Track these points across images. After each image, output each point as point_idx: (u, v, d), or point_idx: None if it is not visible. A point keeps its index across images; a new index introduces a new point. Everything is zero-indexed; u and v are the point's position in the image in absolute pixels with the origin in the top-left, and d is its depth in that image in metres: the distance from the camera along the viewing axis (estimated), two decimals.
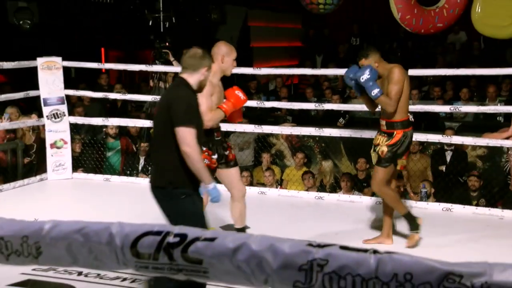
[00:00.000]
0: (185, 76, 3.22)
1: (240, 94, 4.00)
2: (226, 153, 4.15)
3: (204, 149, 3.85)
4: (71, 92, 6.86)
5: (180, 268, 1.45)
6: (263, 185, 6.69)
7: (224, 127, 6.64)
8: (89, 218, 1.74)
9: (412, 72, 6.05)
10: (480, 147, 6.50)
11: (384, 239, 4.51)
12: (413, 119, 5.01)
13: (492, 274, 1.14)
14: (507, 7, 6.78)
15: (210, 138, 3.96)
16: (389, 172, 4.35)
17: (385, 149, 4.33)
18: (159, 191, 3.20)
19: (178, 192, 3.14)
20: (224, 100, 4.02)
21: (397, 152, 4.32)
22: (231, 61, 4.00)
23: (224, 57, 3.95)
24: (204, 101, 3.76)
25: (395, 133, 4.32)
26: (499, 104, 7.85)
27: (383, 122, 4.40)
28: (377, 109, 4.69)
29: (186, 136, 3.06)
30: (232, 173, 4.19)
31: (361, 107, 6.28)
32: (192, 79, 3.21)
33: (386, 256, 1.24)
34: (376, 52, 4.32)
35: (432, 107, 6.68)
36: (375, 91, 4.14)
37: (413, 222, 4.39)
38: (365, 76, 4.13)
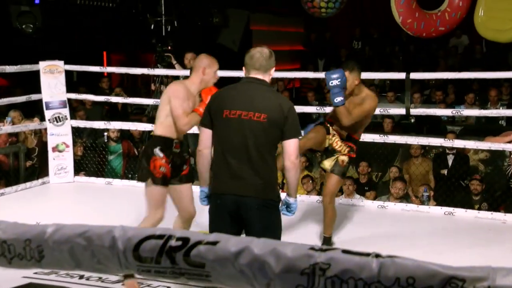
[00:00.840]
0: (260, 77, 3.09)
1: None
2: (183, 167, 3.92)
3: (162, 155, 3.73)
4: (73, 95, 6.88)
5: (182, 272, 1.44)
6: None
7: None
8: (91, 221, 1.75)
9: (414, 75, 6.07)
10: (482, 151, 6.49)
11: None
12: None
13: (495, 278, 1.14)
14: (509, 11, 6.79)
15: (169, 149, 3.78)
16: (341, 183, 4.46)
17: (345, 159, 4.40)
18: (260, 202, 3.02)
19: (277, 205, 3.11)
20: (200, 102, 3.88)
21: (349, 166, 4.46)
22: (212, 73, 3.86)
23: (205, 69, 3.84)
24: (180, 104, 3.69)
25: (354, 148, 4.42)
26: (501, 108, 7.85)
27: (343, 132, 4.42)
28: None
29: (296, 148, 3.03)
30: (183, 190, 3.92)
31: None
32: (267, 80, 3.12)
33: (388, 260, 1.24)
34: (359, 71, 4.33)
35: (434, 110, 6.68)
36: (338, 99, 4.14)
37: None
38: (335, 82, 4.11)
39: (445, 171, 6.73)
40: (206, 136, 3.11)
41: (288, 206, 3.18)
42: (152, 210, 3.82)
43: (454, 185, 6.37)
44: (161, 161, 3.70)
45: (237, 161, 3.01)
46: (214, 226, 3.09)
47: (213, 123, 3.08)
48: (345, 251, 1.29)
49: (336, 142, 4.43)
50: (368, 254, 1.27)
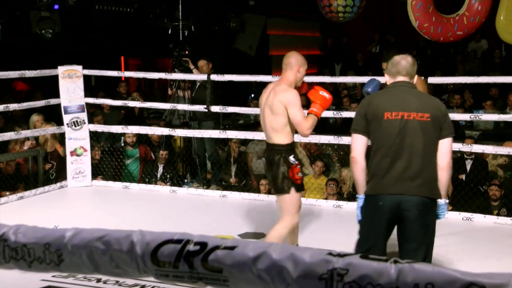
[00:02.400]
0: (410, 83, 3.21)
1: (324, 94, 3.89)
2: None
3: (297, 162, 3.85)
4: (91, 100, 6.94)
5: (200, 276, 1.45)
6: None
7: (243, 135, 6.69)
8: (109, 225, 1.76)
9: (432, 80, 6.02)
10: (501, 156, 6.42)
11: None
12: None
13: None
14: None
15: (296, 155, 3.90)
16: None
17: None
18: (425, 201, 3.07)
19: (437, 203, 3.17)
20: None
21: None
22: (304, 71, 3.92)
23: (300, 67, 3.88)
24: (298, 111, 3.74)
25: None
26: None
27: None
28: None
29: (451, 147, 3.14)
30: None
31: None
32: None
33: (407, 266, 1.23)
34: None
35: (452, 115, 6.61)
36: None
37: None
38: (368, 89, 4.18)
39: (463, 176, 6.67)
40: (361, 142, 3.17)
41: (440, 208, 3.20)
42: (290, 216, 3.84)
43: (472, 190, 6.30)
44: (297, 168, 3.82)
45: (402, 161, 3.05)
46: (369, 227, 3.14)
47: (370, 128, 3.13)
48: (363, 257, 1.28)
49: None
50: (386, 260, 1.26)
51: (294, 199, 3.85)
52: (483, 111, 8.13)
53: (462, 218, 5.41)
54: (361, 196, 3.21)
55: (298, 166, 3.83)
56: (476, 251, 4.54)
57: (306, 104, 4.12)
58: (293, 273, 1.30)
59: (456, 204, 6.03)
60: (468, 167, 6.69)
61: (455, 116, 6.94)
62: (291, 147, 3.86)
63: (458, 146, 5.71)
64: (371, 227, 3.14)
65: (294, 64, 3.87)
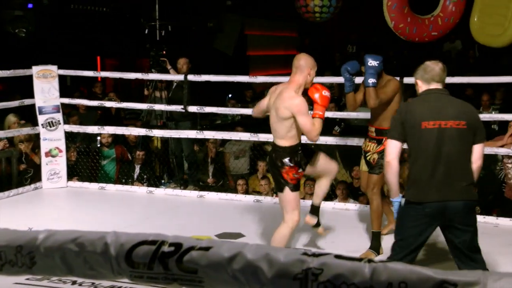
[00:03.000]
0: (444, 90, 3.31)
1: (327, 93, 3.93)
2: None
3: (292, 164, 3.89)
4: (66, 100, 6.86)
5: (175, 277, 1.44)
6: (259, 193, 6.68)
7: (220, 135, 6.68)
8: (84, 227, 1.74)
9: (408, 80, 6.08)
10: None
11: (392, 225, 4.58)
12: None
13: (486, 283, 1.14)
14: (501, 16, 6.83)
15: (296, 155, 3.93)
16: (383, 178, 4.38)
17: (376, 156, 4.48)
18: (467, 204, 3.21)
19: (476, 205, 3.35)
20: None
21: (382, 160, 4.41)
22: (314, 74, 3.95)
23: (311, 70, 3.90)
24: (307, 119, 3.78)
25: (384, 139, 4.34)
26: (493, 112, 7.87)
27: (372, 129, 4.53)
28: (356, 115, 4.68)
29: (483, 151, 3.30)
30: (321, 159, 4.13)
31: (357, 115, 6.31)
32: None
33: (380, 265, 1.24)
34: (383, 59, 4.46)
35: None
36: (372, 80, 4.22)
37: (377, 243, 4.48)
38: (375, 62, 4.22)
39: None
40: (395, 147, 3.26)
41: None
42: (289, 214, 3.95)
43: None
44: (293, 170, 3.88)
45: (442, 168, 3.15)
46: (412, 233, 3.22)
47: (407, 136, 3.23)
48: (338, 256, 1.29)
49: (365, 144, 4.61)
50: (360, 259, 1.27)
51: (290, 198, 3.93)
52: None
53: None
54: (396, 199, 3.33)
55: (294, 169, 3.89)
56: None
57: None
58: (268, 273, 1.31)
59: None
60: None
61: None
62: (290, 150, 3.89)
63: None
64: (414, 233, 3.21)
65: (305, 66, 3.88)
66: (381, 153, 4.33)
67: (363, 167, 4.66)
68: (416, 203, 3.20)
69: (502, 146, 5.32)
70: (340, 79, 4.95)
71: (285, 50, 13.95)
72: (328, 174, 4.21)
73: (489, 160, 6.52)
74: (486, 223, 5.26)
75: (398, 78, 4.75)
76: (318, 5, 8.38)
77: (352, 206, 5.87)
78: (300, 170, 3.95)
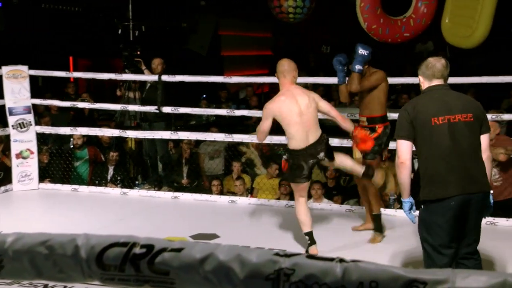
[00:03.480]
0: (447, 85, 3.36)
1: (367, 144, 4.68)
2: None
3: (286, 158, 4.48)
4: (37, 101, 6.76)
5: (146, 279, 1.43)
6: (234, 194, 6.68)
7: (194, 136, 6.66)
8: (56, 229, 1.71)
9: None
10: None
11: (369, 224, 4.94)
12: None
13: (455, 281, 1.16)
14: (470, 17, 6.95)
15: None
16: (377, 163, 4.77)
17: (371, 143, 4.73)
18: (485, 196, 3.26)
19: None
20: None
21: (382, 144, 4.73)
22: (297, 77, 4.39)
23: (294, 73, 4.33)
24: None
25: (377, 127, 4.70)
26: None
27: (363, 119, 4.79)
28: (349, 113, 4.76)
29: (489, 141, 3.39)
30: None
31: None
32: None
33: (352, 264, 1.25)
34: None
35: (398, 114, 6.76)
36: (358, 66, 4.60)
37: (379, 224, 4.82)
38: (365, 52, 4.59)
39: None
40: (407, 147, 3.25)
41: (491, 197, 3.38)
42: (296, 198, 4.54)
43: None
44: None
45: (458, 162, 3.17)
46: (444, 231, 3.19)
47: (416, 134, 3.22)
48: (310, 256, 1.30)
49: (359, 133, 4.79)
50: (332, 259, 1.28)
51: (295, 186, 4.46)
52: None
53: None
54: (409, 200, 3.39)
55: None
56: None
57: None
58: (240, 274, 1.30)
59: None
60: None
61: None
62: (291, 150, 4.37)
63: None
64: (444, 229, 3.19)
65: (288, 71, 4.37)
66: (376, 140, 4.69)
67: (357, 154, 4.90)
68: (439, 200, 3.19)
69: None
70: (313, 80, 5.15)
71: (260, 51, 13.98)
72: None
73: None
74: None
75: None
76: (292, 6, 8.41)
77: (327, 206, 5.90)
78: None
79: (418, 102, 3.33)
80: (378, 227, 4.79)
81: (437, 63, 3.35)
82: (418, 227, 3.35)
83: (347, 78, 4.81)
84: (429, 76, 3.34)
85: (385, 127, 4.73)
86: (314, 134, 4.32)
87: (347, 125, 4.57)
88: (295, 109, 4.25)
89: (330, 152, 4.41)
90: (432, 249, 3.25)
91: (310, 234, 4.38)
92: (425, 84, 3.36)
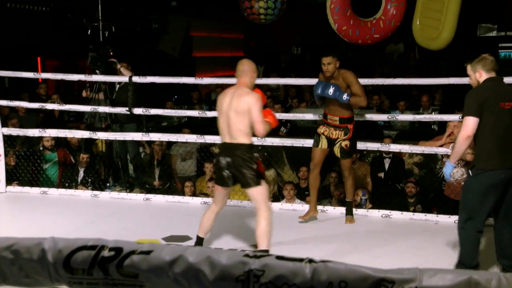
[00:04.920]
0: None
1: (276, 116, 4.45)
2: None
3: (260, 158, 4.49)
4: (4, 102, 6.63)
5: (115, 282, 1.42)
6: (206, 195, 6.66)
7: (166, 137, 6.61)
8: (24, 233, 1.69)
9: None
10: (417, 154, 6.70)
11: (313, 212, 5.38)
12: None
13: (422, 279, 1.17)
14: (437, 20, 7.06)
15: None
16: (354, 158, 5.14)
17: (348, 142, 5.11)
18: None
19: None
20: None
21: (355, 142, 5.16)
22: (256, 77, 4.35)
23: (253, 73, 4.29)
24: (259, 114, 4.12)
25: (349, 127, 5.10)
26: (433, 113, 8.12)
27: (335, 118, 5.12)
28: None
29: None
30: (229, 190, 4.46)
31: (303, 116, 6.38)
32: None
33: (321, 265, 1.26)
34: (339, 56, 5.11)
35: (370, 115, 6.83)
36: (344, 97, 4.91)
37: (351, 210, 5.39)
38: (331, 90, 4.92)
39: (381, 174, 6.90)
40: (475, 124, 3.75)
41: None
42: (266, 205, 4.16)
43: (390, 188, 6.54)
44: (260, 162, 4.26)
45: (508, 140, 3.79)
46: (485, 198, 3.77)
47: (483, 113, 3.74)
48: (279, 257, 1.30)
49: (331, 133, 5.16)
50: (301, 260, 1.28)
51: (264, 189, 4.21)
52: (399, 111, 8.44)
53: (381, 215, 5.60)
54: (453, 165, 3.97)
55: (259, 161, 4.28)
56: (394, 247, 4.70)
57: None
58: (210, 276, 1.30)
59: (376, 202, 6.24)
60: (387, 166, 6.93)
61: (374, 116, 7.18)
62: (252, 146, 4.24)
63: (376, 146, 5.91)
64: (487, 198, 3.78)
65: (247, 71, 4.27)
66: (351, 140, 5.10)
67: (324, 145, 5.21)
68: (493, 170, 3.75)
69: (441, 146, 5.49)
70: (285, 81, 5.29)
71: (231, 52, 13.96)
72: (221, 205, 4.48)
73: (430, 160, 6.73)
74: (427, 221, 5.42)
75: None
76: (263, 7, 8.43)
77: (299, 207, 5.92)
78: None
79: (488, 88, 3.81)
80: (350, 211, 5.37)
81: (491, 58, 3.89)
82: (464, 193, 3.88)
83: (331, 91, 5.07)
84: (489, 70, 3.85)
85: (354, 126, 5.13)
86: (232, 138, 4.16)
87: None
88: (222, 106, 4.22)
89: (242, 175, 4.12)
90: (473, 211, 3.83)
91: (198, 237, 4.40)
92: (483, 75, 3.85)
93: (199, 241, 4.39)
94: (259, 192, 4.14)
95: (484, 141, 3.79)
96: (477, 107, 3.75)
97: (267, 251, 3.99)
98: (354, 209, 5.79)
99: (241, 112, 4.07)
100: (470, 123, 3.76)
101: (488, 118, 3.76)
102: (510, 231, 3.92)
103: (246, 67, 4.27)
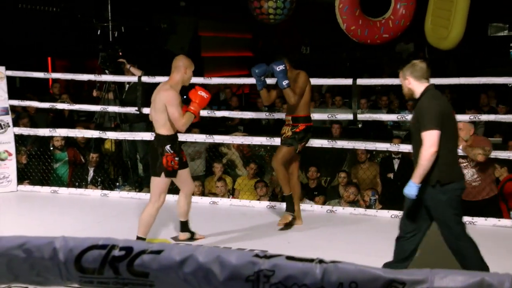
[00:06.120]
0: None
1: (202, 93, 4.36)
2: (181, 155, 4.57)
3: (172, 151, 4.35)
4: (15, 102, 6.67)
5: (126, 282, 1.42)
6: (215, 195, 6.66)
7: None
8: (34, 232, 1.69)
9: (361, 81, 6.19)
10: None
11: (298, 221, 5.23)
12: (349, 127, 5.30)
13: (433, 281, 1.17)
14: (446, 19, 7.03)
15: (176, 144, 4.42)
16: (289, 152, 5.02)
17: (289, 133, 5.08)
18: None
19: None
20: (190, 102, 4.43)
21: (298, 138, 5.05)
22: (191, 73, 4.43)
23: (186, 69, 4.37)
24: (175, 109, 4.23)
25: (299, 125, 5.08)
26: None
27: (289, 118, 5.12)
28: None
29: None
30: (185, 173, 4.59)
31: (312, 116, 6.36)
32: None
33: (331, 265, 1.25)
34: (287, 58, 5.09)
35: (379, 115, 6.82)
36: (285, 82, 4.88)
37: (290, 205, 5.10)
38: (281, 67, 4.88)
39: (391, 175, 6.88)
40: (439, 137, 3.49)
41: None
42: (156, 197, 4.41)
43: (400, 188, 6.50)
44: (171, 157, 4.34)
45: (457, 151, 3.76)
46: (459, 211, 3.63)
47: (445, 124, 3.52)
48: (289, 257, 1.30)
49: (283, 129, 5.17)
50: (311, 260, 1.28)
51: (163, 182, 4.39)
52: (409, 111, 8.40)
53: (391, 216, 5.58)
54: (417, 185, 3.59)
55: (173, 156, 4.35)
56: None
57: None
58: (220, 276, 1.30)
59: (385, 202, 6.21)
60: (396, 166, 6.91)
61: (383, 116, 7.16)
62: (169, 138, 4.36)
63: (386, 146, 5.89)
64: (460, 211, 3.65)
65: (181, 66, 4.37)
66: (295, 133, 5.03)
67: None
68: (455, 182, 3.59)
69: None
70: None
71: (239, 52, 13.99)
72: (184, 190, 4.71)
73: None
74: None
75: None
76: (272, 7, 8.43)
77: (307, 207, 5.91)
78: (177, 159, 4.39)
79: (440, 96, 3.68)
80: (290, 207, 5.11)
81: (423, 65, 3.67)
82: (443, 208, 3.61)
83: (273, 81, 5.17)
84: (419, 77, 3.63)
85: (306, 127, 5.08)
86: (155, 128, 4.46)
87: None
88: (152, 99, 4.45)
89: (151, 162, 4.41)
90: (459, 220, 3.66)
91: None
92: (413, 84, 3.64)
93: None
94: (154, 183, 4.39)
95: (446, 153, 3.54)
96: (439, 119, 3.50)
97: (143, 238, 4.38)
98: (363, 210, 5.77)
99: (158, 108, 4.30)
100: (435, 137, 3.47)
101: (448, 129, 3.55)
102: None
103: (180, 63, 4.37)
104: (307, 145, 5.98)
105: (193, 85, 5.57)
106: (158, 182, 4.39)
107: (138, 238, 4.36)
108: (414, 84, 3.63)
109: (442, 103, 3.60)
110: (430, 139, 3.46)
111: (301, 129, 5.06)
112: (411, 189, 3.61)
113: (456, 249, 3.70)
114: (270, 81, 5.22)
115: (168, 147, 4.33)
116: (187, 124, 4.34)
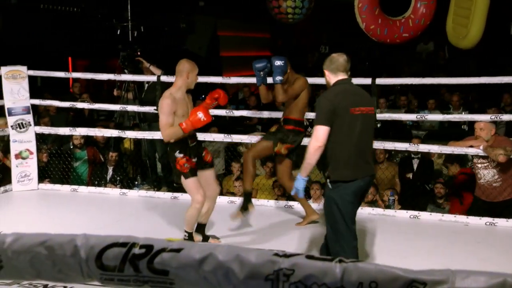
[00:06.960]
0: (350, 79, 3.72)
1: (201, 115, 4.20)
2: (203, 155, 4.53)
3: (182, 155, 4.34)
4: (36, 101, 6.75)
5: (146, 279, 1.43)
6: (233, 194, 6.67)
7: None
8: (55, 230, 1.71)
9: (380, 81, 6.15)
10: (446, 155, 6.61)
11: (312, 216, 5.22)
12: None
13: (454, 281, 1.16)
14: (466, 18, 6.95)
15: (186, 147, 4.37)
16: (265, 147, 5.00)
17: (273, 129, 5.12)
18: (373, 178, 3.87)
19: None
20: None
21: (280, 136, 5.01)
22: (194, 76, 4.38)
23: (189, 73, 4.34)
24: (163, 117, 4.23)
25: (288, 126, 5.05)
26: (463, 113, 8.01)
27: (281, 118, 5.17)
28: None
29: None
30: (206, 174, 4.55)
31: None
32: None
33: (351, 265, 1.25)
34: (288, 63, 5.02)
35: (399, 115, 6.77)
36: (278, 77, 4.86)
37: (246, 203, 5.02)
38: (280, 63, 4.85)
39: (410, 175, 6.83)
40: (326, 133, 3.50)
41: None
42: (194, 196, 4.42)
43: (419, 188, 6.46)
44: (183, 160, 4.33)
45: (366, 149, 3.63)
46: (352, 208, 3.57)
47: (335, 121, 3.49)
48: (309, 257, 1.30)
49: (272, 128, 5.19)
50: (331, 259, 1.28)
51: (189, 184, 4.41)
52: (428, 111, 8.34)
53: (410, 216, 5.54)
54: (305, 178, 3.67)
55: (185, 159, 4.34)
56: (422, 248, 4.65)
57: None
58: (239, 274, 1.30)
59: (404, 202, 6.18)
60: (415, 166, 6.86)
61: (402, 116, 7.11)
62: (178, 143, 4.33)
63: (405, 146, 5.85)
64: (355, 207, 3.60)
65: (183, 71, 4.35)
66: (280, 131, 5.01)
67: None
68: (353, 181, 3.53)
69: (471, 146, 5.39)
70: (312, 80, 5.27)
71: (258, 51, 13.97)
72: (209, 194, 4.59)
73: (462, 161, 6.63)
74: (457, 222, 5.35)
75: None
76: (290, 6, 8.42)
77: None
78: (194, 159, 4.40)
79: (338, 93, 3.57)
80: (245, 205, 5.02)
81: (340, 58, 3.63)
82: (328, 206, 3.59)
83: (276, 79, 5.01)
84: (334, 69, 3.63)
85: (294, 130, 5.03)
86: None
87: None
88: None
89: (174, 172, 4.55)
90: (345, 226, 3.54)
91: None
92: (331, 77, 3.65)
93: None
94: (184, 186, 4.46)
95: (338, 151, 3.52)
96: (327, 115, 3.47)
97: (190, 233, 4.51)
98: (381, 210, 5.74)
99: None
100: (321, 133, 3.48)
101: (340, 126, 3.49)
102: None
103: (181, 67, 4.36)
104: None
105: (214, 86, 5.70)
106: (186, 185, 4.44)
107: (185, 231, 4.54)
108: (330, 77, 3.66)
109: (339, 98, 3.50)
110: (315, 134, 3.52)
111: (289, 129, 5.02)
112: (297, 182, 3.69)
113: (333, 251, 3.61)
114: (270, 80, 5.17)
115: (177, 153, 4.35)
116: (172, 137, 4.26)
